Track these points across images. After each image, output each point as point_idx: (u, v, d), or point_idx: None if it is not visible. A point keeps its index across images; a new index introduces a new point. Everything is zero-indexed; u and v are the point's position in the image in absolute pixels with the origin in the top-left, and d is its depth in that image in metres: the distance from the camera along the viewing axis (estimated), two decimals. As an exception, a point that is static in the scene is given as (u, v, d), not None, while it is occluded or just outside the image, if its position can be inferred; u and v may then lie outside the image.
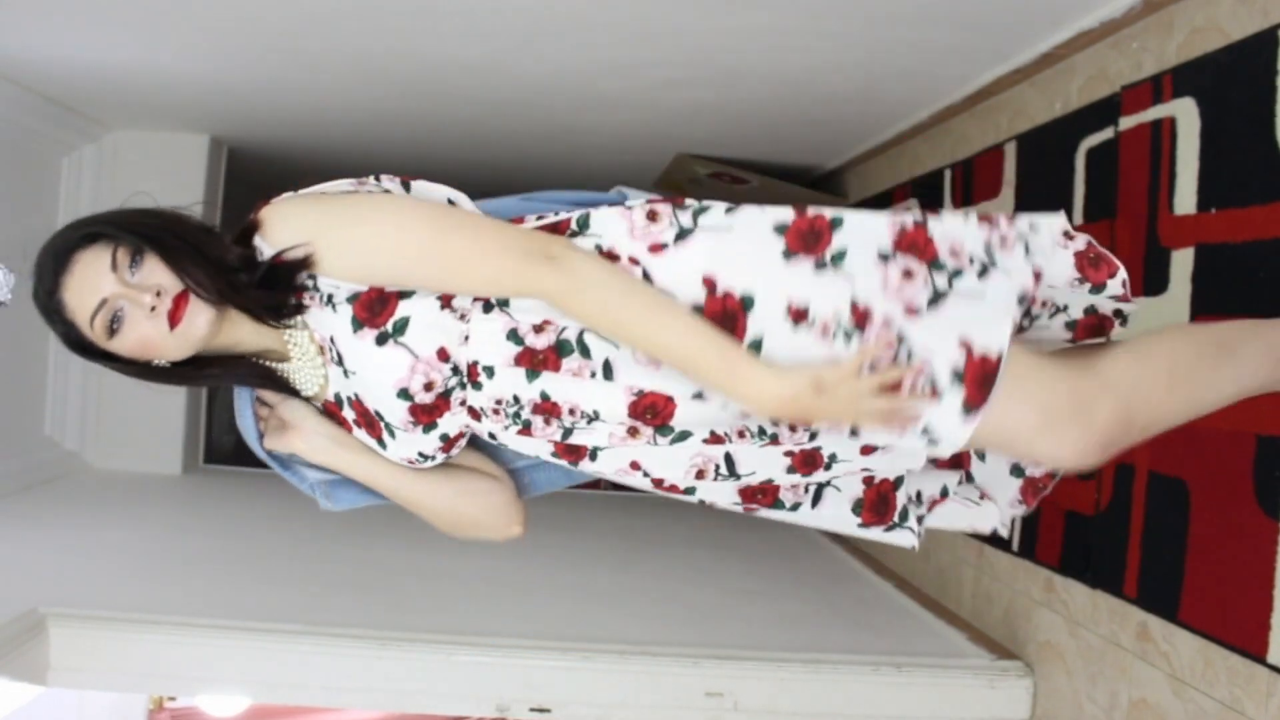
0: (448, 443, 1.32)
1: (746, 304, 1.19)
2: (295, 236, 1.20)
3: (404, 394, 1.24)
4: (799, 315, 1.18)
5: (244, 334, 1.27)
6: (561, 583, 3.11)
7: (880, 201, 3.86)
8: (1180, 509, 2.03)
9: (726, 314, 1.19)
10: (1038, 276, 1.25)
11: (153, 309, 1.19)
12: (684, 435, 1.26)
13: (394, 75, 3.30)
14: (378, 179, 1.27)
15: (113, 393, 4.40)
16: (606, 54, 2.94)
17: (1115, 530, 2.23)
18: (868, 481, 1.39)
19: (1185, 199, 2.09)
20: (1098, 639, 2.27)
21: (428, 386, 1.24)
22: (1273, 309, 1.84)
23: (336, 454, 1.33)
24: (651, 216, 1.24)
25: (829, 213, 1.22)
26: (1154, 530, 2.11)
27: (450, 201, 1.27)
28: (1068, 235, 1.31)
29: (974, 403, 1.16)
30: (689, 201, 1.26)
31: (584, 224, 1.25)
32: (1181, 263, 2.08)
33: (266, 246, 1.22)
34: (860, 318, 1.17)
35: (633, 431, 1.26)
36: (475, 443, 1.40)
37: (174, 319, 1.20)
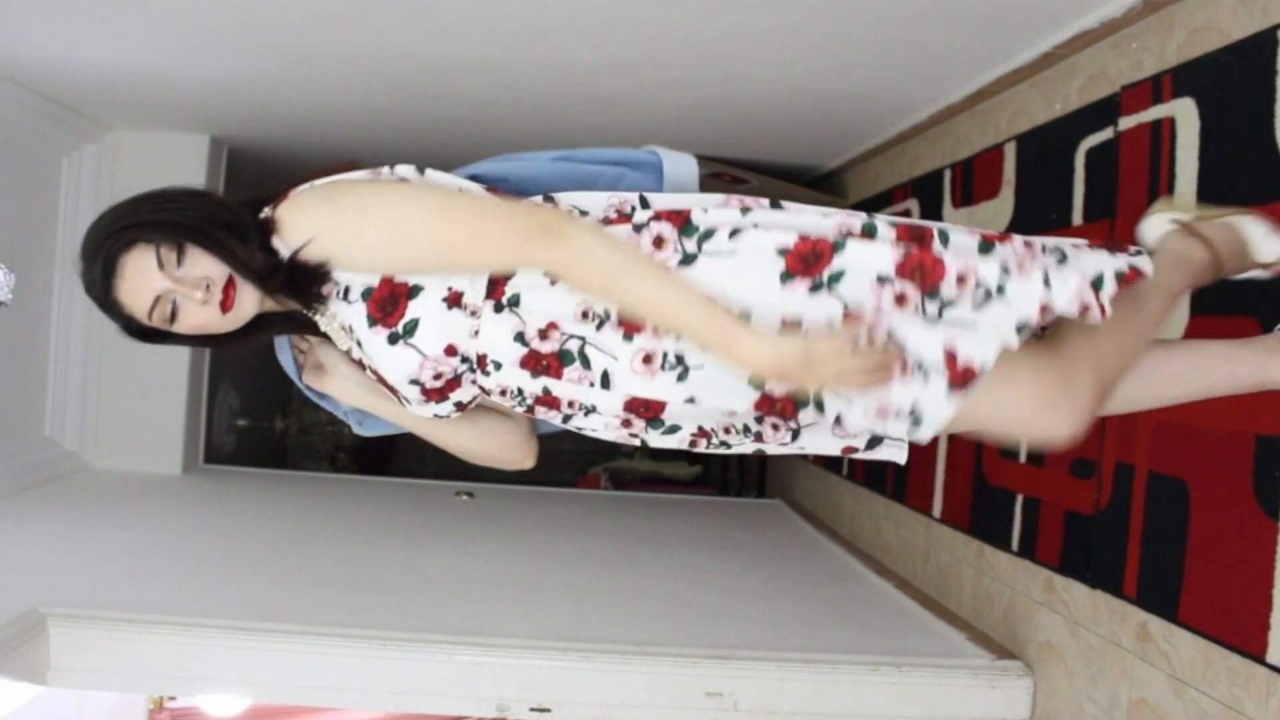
0: (461, 407, 1.43)
1: (745, 315, 1.25)
2: (307, 234, 1.27)
3: (415, 382, 1.35)
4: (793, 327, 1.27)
5: (272, 304, 1.38)
6: (561, 583, 3.11)
7: (880, 202, 3.86)
8: (1180, 509, 2.03)
9: None
10: (1045, 310, 1.28)
11: (204, 301, 1.29)
12: (674, 429, 1.38)
13: (394, 76, 3.30)
14: (392, 169, 1.33)
15: (113, 393, 4.41)
16: (606, 54, 2.94)
17: (1115, 530, 2.23)
18: None
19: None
20: (1098, 639, 2.27)
21: (437, 376, 1.35)
22: (1273, 309, 1.84)
23: (364, 398, 1.46)
24: (658, 243, 1.29)
25: (834, 238, 1.27)
26: (1154, 530, 2.11)
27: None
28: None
29: (958, 384, 1.26)
30: (695, 218, 1.30)
31: None
32: (1181, 263, 2.08)
33: (284, 246, 1.29)
34: (851, 320, 1.26)
35: (626, 423, 1.37)
36: None
37: (225, 306, 1.30)
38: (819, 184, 4.61)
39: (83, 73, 3.43)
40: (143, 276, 1.28)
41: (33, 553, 3.03)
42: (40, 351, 4.18)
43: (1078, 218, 2.48)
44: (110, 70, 3.40)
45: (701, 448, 1.44)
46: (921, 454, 3.31)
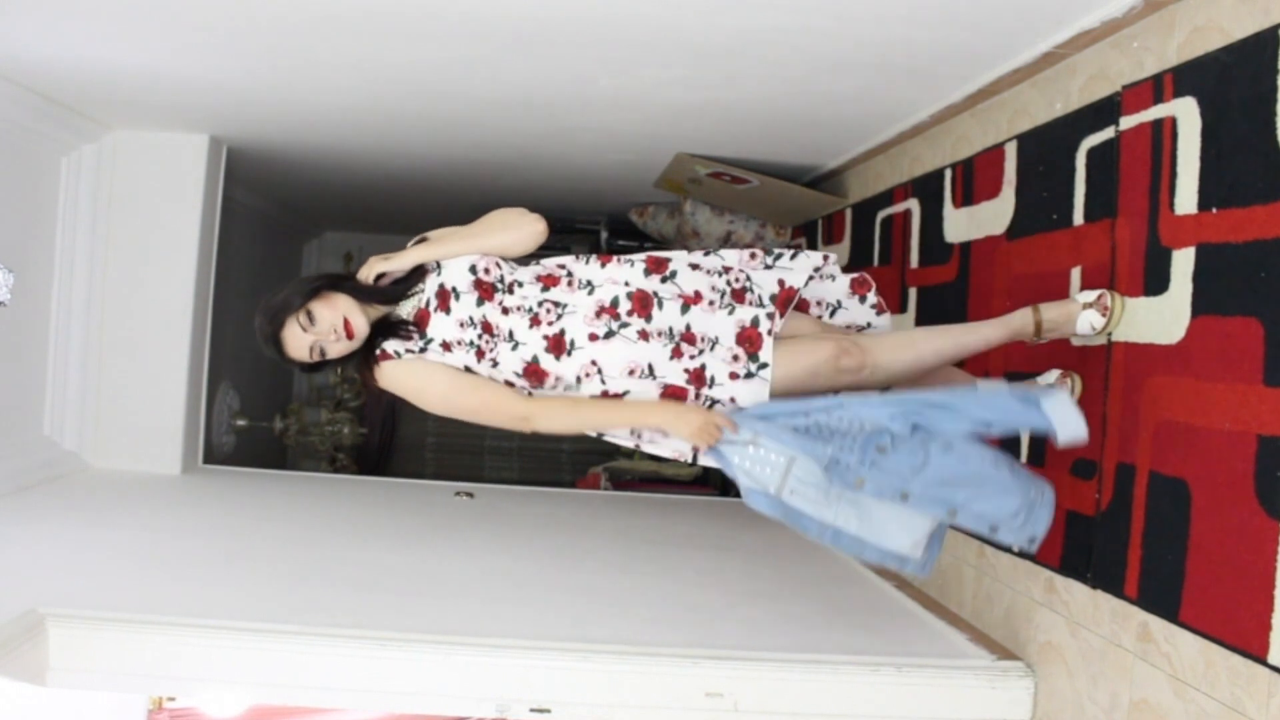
0: (484, 324, 2.13)
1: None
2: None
3: (472, 269, 2.15)
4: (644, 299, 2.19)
5: (376, 311, 2.16)
6: (561, 583, 3.11)
7: (880, 201, 3.85)
8: (1181, 509, 2.03)
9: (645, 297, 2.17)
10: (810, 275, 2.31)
11: (336, 339, 2.10)
12: (624, 324, 2.13)
13: (393, 75, 3.30)
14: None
15: (112, 393, 4.40)
16: (606, 54, 2.94)
17: (1116, 530, 2.22)
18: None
19: (1186, 199, 2.09)
20: (1099, 639, 2.27)
21: (486, 271, 2.15)
22: (1274, 309, 1.84)
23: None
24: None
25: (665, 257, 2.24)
26: (1155, 530, 2.11)
27: None
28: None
29: (781, 311, 2.17)
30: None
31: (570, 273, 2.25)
32: (1182, 263, 2.08)
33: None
34: (690, 300, 2.18)
35: (599, 314, 2.12)
36: None
37: (349, 335, 2.11)
38: (819, 184, 4.60)
39: (83, 73, 3.43)
40: (296, 340, 2.10)
41: (32, 553, 3.03)
42: (40, 351, 4.18)
43: (1078, 217, 2.48)
44: (110, 70, 3.40)
45: (638, 375, 2.12)
46: (922, 454, 3.31)
